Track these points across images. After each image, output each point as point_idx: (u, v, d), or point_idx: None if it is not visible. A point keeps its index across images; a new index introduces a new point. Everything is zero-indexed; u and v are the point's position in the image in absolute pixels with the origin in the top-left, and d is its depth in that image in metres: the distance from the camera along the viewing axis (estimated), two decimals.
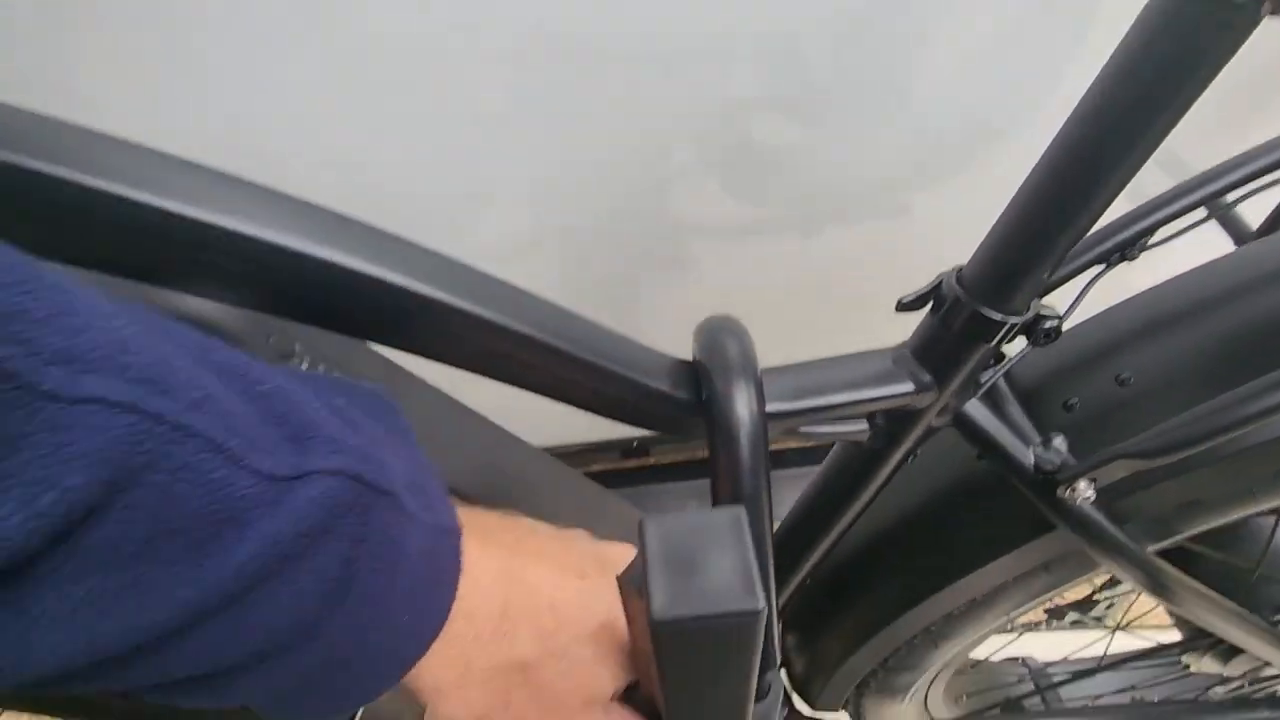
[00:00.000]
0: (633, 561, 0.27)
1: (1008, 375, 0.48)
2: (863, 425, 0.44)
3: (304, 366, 0.37)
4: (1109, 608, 0.86)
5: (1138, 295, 0.49)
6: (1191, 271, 0.47)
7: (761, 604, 0.22)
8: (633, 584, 0.26)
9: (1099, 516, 0.42)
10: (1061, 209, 0.32)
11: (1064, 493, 0.40)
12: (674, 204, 0.80)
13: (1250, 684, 0.67)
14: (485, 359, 0.32)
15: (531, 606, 0.27)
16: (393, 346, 0.32)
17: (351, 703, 0.23)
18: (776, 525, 0.55)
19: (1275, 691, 0.65)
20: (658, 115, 0.71)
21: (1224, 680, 0.65)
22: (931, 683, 0.70)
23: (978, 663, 0.89)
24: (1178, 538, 0.47)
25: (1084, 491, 0.40)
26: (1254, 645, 0.51)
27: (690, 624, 0.21)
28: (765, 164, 0.78)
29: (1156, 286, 0.48)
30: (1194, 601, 0.46)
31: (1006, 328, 0.36)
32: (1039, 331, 0.37)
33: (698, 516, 0.24)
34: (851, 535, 0.54)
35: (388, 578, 0.22)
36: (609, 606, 0.29)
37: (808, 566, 0.54)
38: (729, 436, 0.33)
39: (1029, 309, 0.37)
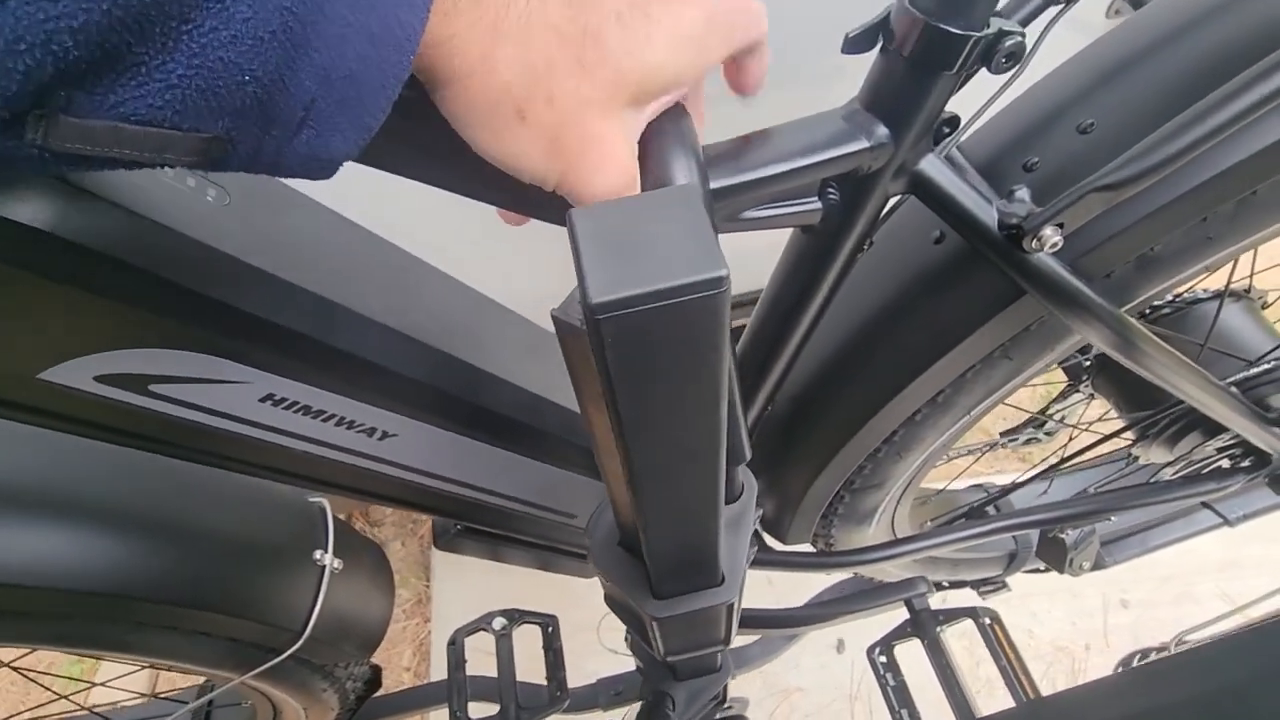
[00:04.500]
0: (569, 295, 0.23)
1: (962, 150, 0.44)
2: (815, 205, 0.40)
3: None
4: (1060, 421, 0.89)
5: (1083, 51, 0.45)
6: (1139, 14, 0.44)
7: (725, 270, 0.17)
8: (570, 315, 0.22)
9: (1064, 271, 0.40)
10: None
11: (1030, 244, 0.37)
12: None
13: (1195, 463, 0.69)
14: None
15: None
16: None
17: (372, 103, 0.20)
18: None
19: (1219, 465, 0.68)
20: None
21: (1173, 462, 0.67)
22: (897, 504, 0.70)
23: (939, 491, 0.91)
24: (1138, 300, 0.45)
25: (1051, 239, 0.37)
26: (1208, 403, 0.51)
27: (638, 304, 0.17)
28: None
29: (1103, 37, 0.45)
30: (1156, 357, 0.45)
31: (969, 45, 0.32)
32: (1001, 52, 0.33)
33: (636, 198, 0.19)
34: (808, 355, 0.52)
35: None
36: None
37: (771, 383, 0.51)
38: None
39: (989, 25, 0.33)
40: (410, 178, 0.29)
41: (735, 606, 0.39)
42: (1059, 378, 0.82)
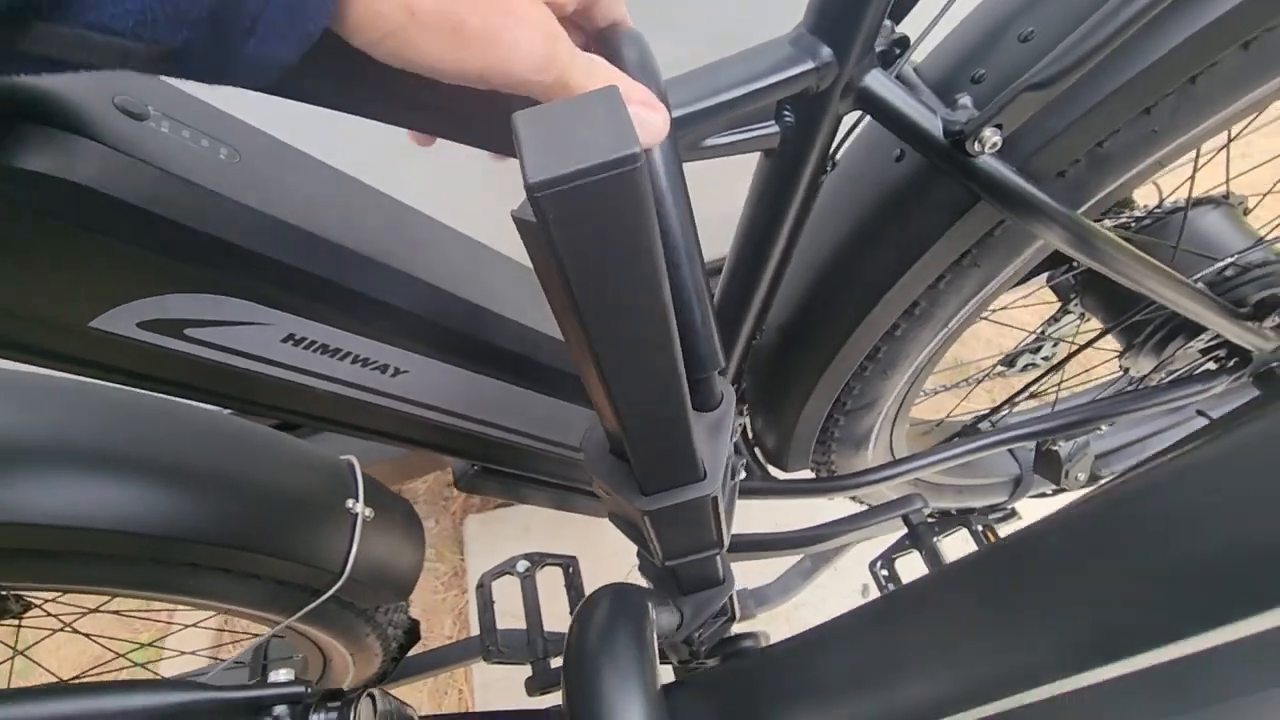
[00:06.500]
0: (523, 201, 0.27)
1: (918, 73, 0.47)
2: (773, 128, 0.43)
3: (164, 129, 0.34)
4: (1055, 346, 0.91)
5: None
6: None
7: (637, 149, 0.21)
8: (525, 213, 0.25)
9: (1012, 173, 0.43)
10: None
11: (973, 146, 0.40)
12: None
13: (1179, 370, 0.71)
14: None
15: None
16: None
17: (315, 8, 0.22)
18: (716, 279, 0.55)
19: (1206, 369, 0.70)
20: None
21: (1160, 368, 0.69)
22: (893, 426, 0.73)
23: (940, 421, 0.93)
24: (1098, 198, 0.48)
25: (990, 139, 0.40)
26: (1179, 301, 0.53)
27: (567, 182, 0.21)
28: None
29: None
30: (1117, 256, 0.47)
31: None
32: None
33: (569, 101, 0.23)
34: (788, 283, 0.55)
35: None
36: None
37: (753, 313, 0.54)
38: None
39: None
40: (333, 108, 0.31)
41: (719, 502, 0.43)
42: (1050, 298, 0.84)
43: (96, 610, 0.74)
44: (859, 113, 0.45)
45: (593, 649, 0.29)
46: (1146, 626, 0.23)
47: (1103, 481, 0.41)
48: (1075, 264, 0.76)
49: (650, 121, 0.29)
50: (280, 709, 0.29)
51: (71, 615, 0.73)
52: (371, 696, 0.29)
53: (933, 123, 0.42)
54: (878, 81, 0.41)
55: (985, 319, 0.70)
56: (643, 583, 0.86)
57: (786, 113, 0.42)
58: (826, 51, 0.39)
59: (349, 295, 0.40)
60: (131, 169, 0.32)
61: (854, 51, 0.39)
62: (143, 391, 0.48)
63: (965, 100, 0.42)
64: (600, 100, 0.23)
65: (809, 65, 0.39)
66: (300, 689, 0.28)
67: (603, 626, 0.30)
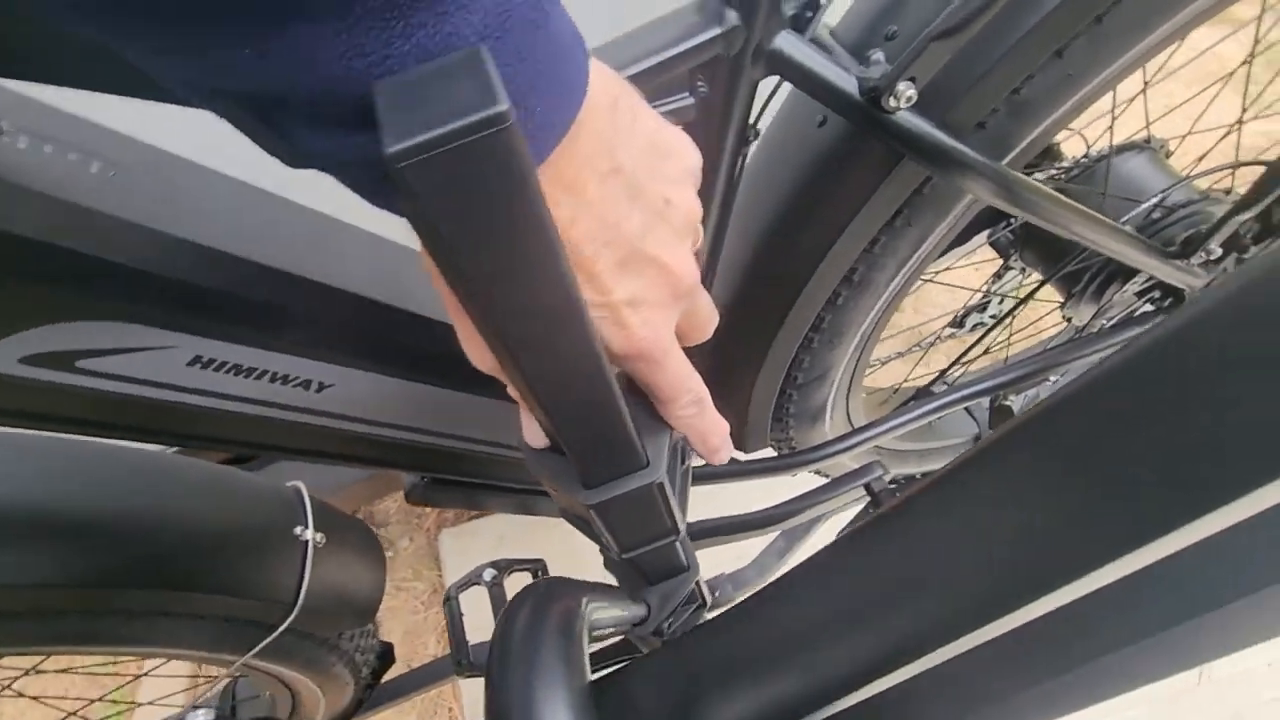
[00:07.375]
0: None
1: (835, 35, 0.46)
2: (688, 99, 0.42)
3: (21, 145, 0.32)
4: (1001, 303, 0.92)
5: None
6: None
7: (505, 105, 0.19)
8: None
9: (930, 127, 0.42)
10: None
11: (888, 102, 0.40)
12: None
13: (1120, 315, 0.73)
14: None
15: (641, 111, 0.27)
16: None
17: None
18: None
19: (1145, 311, 0.71)
20: None
21: (1100, 314, 0.70)
22: (847, 397, 0.73)
23: (896, 388, 0.94)
24: (1022, 146, 0.47)
25: (905, 93, 0.39)
26: (1109, 245, 0.54)
27: (429, 149, 0.19)
28: None
29: None
30: (1044, 204, 0.47)
31: None
32: None
33: (434, 65, 0.21)
34: (726, 262, 0.54)
35: None
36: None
37: None
38: None
39: None
40: None
41: (667, 489, 0.41)
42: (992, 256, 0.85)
43: (38, 671, 0.70)
44: (777, 78, 0.44)
45: (514, 646, 0.27)
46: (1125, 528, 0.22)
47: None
48: (1012, 219, 0.77)
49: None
50: None
51: (11, 677, 0.69)
52: None
53: (847, 81, 0.41)
54: (789, 44, 0.40)
55: (930, 281, 0.70)
56: (611, 579, 0.85)
57: (700, 83, 0.41)
58: (733, 15, 0.38)
59: (252, 308, 0.38)
60: None
61: (760, 14, 0.38)
62: (48, 434, 0.45)
63: (878, 56, 0.41)
64: (462, 61, 0.21)
65: (715, 31, 0.38)
66: None
67: (525, 624, 0.29)
